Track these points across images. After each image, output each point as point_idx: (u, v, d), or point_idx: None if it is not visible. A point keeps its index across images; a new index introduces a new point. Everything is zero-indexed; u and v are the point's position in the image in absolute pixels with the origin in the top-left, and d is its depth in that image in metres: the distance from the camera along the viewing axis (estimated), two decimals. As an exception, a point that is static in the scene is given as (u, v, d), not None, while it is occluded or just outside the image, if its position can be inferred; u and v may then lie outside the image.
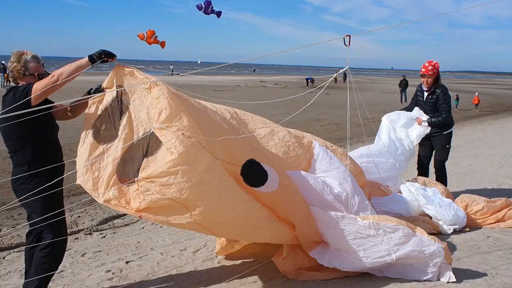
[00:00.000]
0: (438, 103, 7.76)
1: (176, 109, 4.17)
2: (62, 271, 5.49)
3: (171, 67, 62.07)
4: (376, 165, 6.82)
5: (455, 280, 4.83)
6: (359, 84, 65.63)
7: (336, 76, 5.52)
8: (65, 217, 4.60)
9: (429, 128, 7.70)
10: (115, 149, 4.44)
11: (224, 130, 4.74)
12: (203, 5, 4.93)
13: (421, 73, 7.90)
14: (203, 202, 4.13)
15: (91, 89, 4.62)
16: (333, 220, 4.98)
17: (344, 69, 5.05)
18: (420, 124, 7.71)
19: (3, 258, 6.08)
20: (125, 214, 7.90)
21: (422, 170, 8.24)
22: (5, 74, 35.31)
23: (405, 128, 7.77)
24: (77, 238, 6.80)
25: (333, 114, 24.81)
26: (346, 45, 4.73)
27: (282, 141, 5.58)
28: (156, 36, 4.68)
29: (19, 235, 7.00)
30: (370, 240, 4.87)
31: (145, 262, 5.74)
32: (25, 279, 4.55)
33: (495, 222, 6.87)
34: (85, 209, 8.43)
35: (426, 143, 7.98)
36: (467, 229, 6.64)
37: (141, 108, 4.50)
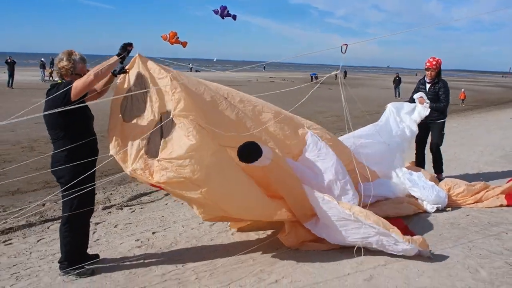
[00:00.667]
0: (439, 94, 8.01)
1: (192, 101, 4.45)
2: (98, 239, 5.73)
3: (190, 65, 62.24)
4: (365, 146, 6.93)
5: (431, 256, 4.94)
6: (359, 81, 65.41)
7: (336, 74, 5.63)
8: (90, 201, 4.77)
9: (428, 110, 7.81)
10: (141, 127, 4.67)
11: (231, 115, 4.99)
12: (219, 10, 5.04)
13: (426, 67, 8.16)
14: (210, 182, 4.40)
15: (115, 70, 4.72)
16: (321, 201, 5.15)
17: (338, 72, 5.28)
18: (422, 103, 7.85)
19: (48, 228, 6.31)
20: (151, 192, 8.14)
21: (420, 151, 8.43)
22: (50, 70, 36.00)
23: (409, 115, 7.89)
24: (110, 212, 7.02)
25: (334, 107, 24.82)
26: (343, 53, 4.88)
27: (281, 130, 5.72)
28: (178, 37, 4.81)
29: (60, 209, 7.23)
30: (350, 224, 5.01)
31: (168, 233, 5.94)
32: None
33: (473, 203, 6.98)
34: (116, 188, 8.67)
35: (423, 128, 8.04)
36: (449, 208, 6.76)
37: (159, 93, 4.69)
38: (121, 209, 7.20)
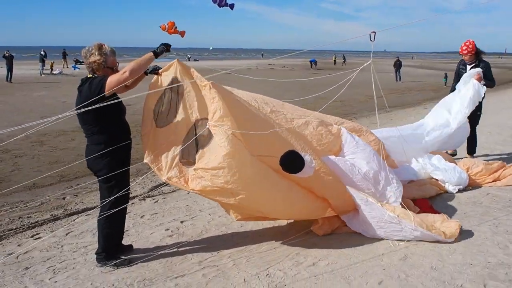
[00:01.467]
0: (487, 72, 7.87)
1: (228, 111, 4.46)
2: (127, 230, 5.76)
3: (188, 55, 62.35)
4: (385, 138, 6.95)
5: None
6: (358, 65, 65.07)
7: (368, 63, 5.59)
8: (128, 192, 4.87)
9: (485, 88, 7.67)
10: (175, 133, 4.73)
11: (266, 126, 4.96)
12: None
13: (460, 53, 8.19)
14: (246, 191, 4.49)
15: (148, 69, 4.75)
16: (363, 202, 5.20)
17: (368, 62, 5.32)
18: (479, 80, 7.63)
19: (74, 221, 6.36)
20: (170, 183, 8.19)
21: None
22: (51, 62, 36.06)
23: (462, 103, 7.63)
24: (133, 203, 7.06)
25: (336, 93, 24.84)
26: (372, 41, 4.90)
27: (315, 130, 5.71)
28: (176, 27, 4.84)
29: (82, 202, 7.32)
30: (392, 226, 5.06)
31: (197, 222, 6.02)
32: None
33: (492, 181, 7.09)
34: (134, 179, 8.70)
35: None
36: (470, 188, 6.87)
37: (195, 100, 4.74)
38: (144, 200, 7.26)
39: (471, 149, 8.59)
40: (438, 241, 4.88)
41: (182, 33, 4.83)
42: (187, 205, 6.80)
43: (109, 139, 4.45)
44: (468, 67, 8.12)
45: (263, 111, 5.34)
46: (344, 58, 67.85)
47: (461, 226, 5.07)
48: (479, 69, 7.82)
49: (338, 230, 5.42)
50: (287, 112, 5.73)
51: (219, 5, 5.04)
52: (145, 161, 4.69)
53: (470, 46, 8.01)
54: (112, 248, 4.79)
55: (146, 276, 4.50)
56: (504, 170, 7.27)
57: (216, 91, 4.54)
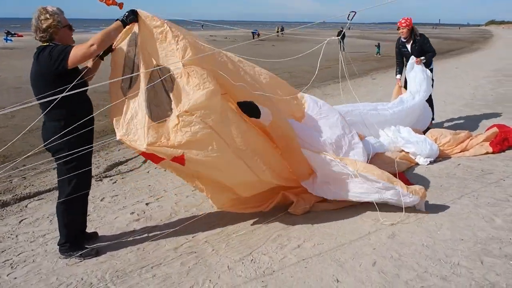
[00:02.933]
0: (424, 46, 8.25)
1: (196, 51, 4.05)
2: (88, 215, 5.25)
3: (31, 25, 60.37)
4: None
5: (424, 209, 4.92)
6: (299, 37, 65.34)
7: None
8: (90, 173, 4.36)
9: (428, 72, 8.20)
10: (139, 95, 4.16)
11: (235, 73, 4.62)
12: None
13: (398, 26, 8.39)
14: (230, 128, 4.25)
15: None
16: (322, 162, 5.01)
17: (339, 37, 5.13)
18: (419, 63, 8.10)
19: (26, 206, 5.74)
20: (126, 160, 7.65)
21: None
22: None
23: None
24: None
25: (284, 64, 24.61)
26: (349, 20, 4.66)
27: (281, 92, 5.57)
28: None
29: (32, 185, 6.68)
30: (352, 180, 4.90)
31: (163, 203, 5.58)
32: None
33: (460, 152, 7.06)
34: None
35: None
36: (440, 159, 6.80)
37: (152, 46, 4.13)
38: (101, 180, 6.69)
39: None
40: (403, 204, 4.73)
41: (120, 5, 4.34)
42: (149, 185, 6.32)
43: (70, 115, 3.91)
44: (408, 46, 8.38)
45: (231, 58, 4.94)
46: (282, 29, 67.61)
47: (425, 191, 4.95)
48: (413, 58, 8.20)
49: (314, 208, 5.16)
50: (256, 66, 5.53)
51: None
52: (117, 138, 4.11)
53: (408, 21, 8.27)
54: (76, 237, 4.30)
55: (118, 267, 4.07)
56: (470, 140, 7.27)
57: (177, 29, 4.10)
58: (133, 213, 5.31)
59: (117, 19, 3.97)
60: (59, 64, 3.73)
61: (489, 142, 7.12)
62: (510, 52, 34.06)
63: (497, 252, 4.00)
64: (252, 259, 4.10)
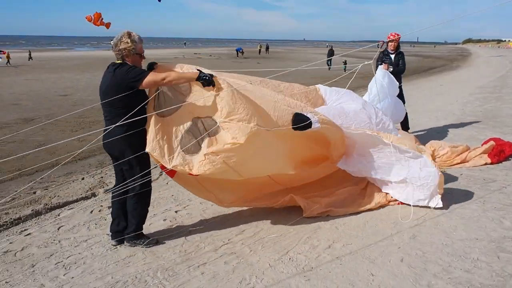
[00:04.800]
0: (401, 60, 9.40)
1: (234, 105, 4.58)
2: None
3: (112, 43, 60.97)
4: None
5: (441, 206, 5.52)
6: (281, 54, 65.95)
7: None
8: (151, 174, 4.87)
9: (391, 69, 9.12)
10: (176, 123, 4.77)
11: (266, 101, 5.12)
12: None
13: (389, 39, 9.30)
14: (248, 164, 4.87)
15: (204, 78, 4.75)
16: (361, 135, 5.79)
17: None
18: (386, 69, 8.95)
19: (58, 215, 6.06)
20: (144, 173, 8.00)
21: None
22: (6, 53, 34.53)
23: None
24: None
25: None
26: (379, 47, 5.39)
27: (299, 90, 6.25)
28: (103, 19, 4.88)
29: (58, 196, 6.98)
30: (386, 156, 5.71)
31: (191, 211, 5.96)
32: (116, 225, 4.99)
33: (460, 163, 7.60)
34: (101, 170, 8.44)
35: None
36: (443, 170, 7.30)
37: (200, 97, 4.79)
38: (124, 191, 7.04)
39: (405, 126, 9.75)
40: (422, 169, 5.50)
41: (107, 25, 4.89)
42: (172, 195, 6.69)
43: (133, 122, 4.46)
44: (392, 56, 9.38)
45: (255, 85, 5.48)
46: (267, 47, 68.72)
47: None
48: (383, 66, 9.05)
49: (332, 213, 5.61)
50: (269, 81, 6.09)
51: None
52: (146, 150, 4.60)
53: (397, 36, 9.32)
54: (141, 227, 4.98)
55: (166, 266, 4.44)
56: (469, 152, 7.81)
57: (224, 91, 4.66)
58: (165, 220, 5.69)
59: (198, 70, 4.71)
60: (134, 82, 4.39)
61: (487, 154, 7.68)
62: (490, 70, 35.30)
63: (510, 249, 4.50)
64: (290, 258, 4.51)
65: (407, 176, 5.58)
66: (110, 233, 5.04)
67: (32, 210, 6.21)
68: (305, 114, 5.14)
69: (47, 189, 7.35)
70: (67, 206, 6.40)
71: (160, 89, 4.78)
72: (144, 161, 4.68)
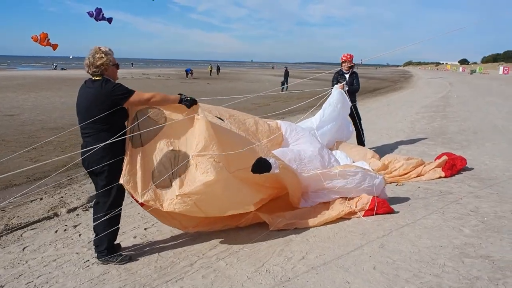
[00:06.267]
0: (355, 80, 9.92)
1: (209, 141, 4.71)
2: (90, 241, 5.56)
3: (54, 64, 59.77)
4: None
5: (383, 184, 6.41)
6: (231, 75, 66.47)
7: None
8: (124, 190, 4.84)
9: (347, 88, 9.48)
10: (147, 156, 4.80)
11: (237, 141, 5.35)
12: (94, 12, 5.23)
13: (343, 60, 9.93)
14: (215, 204, 5.08)
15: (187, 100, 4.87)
16: (312, 176, 6.07)
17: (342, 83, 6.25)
18: (342, 88, 9.25)
19: (21, 235, 5.90)
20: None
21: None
22: None
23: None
24: (78, 214, 6.73)
25: (227, 101, 25.36)
26: (361, 63, 5.76)
27: (263, 128, 6.50)
28: (49, 39, 4.98)
29: (17, 216, 6.80)
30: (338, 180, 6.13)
31: (161, 228, 5.93)
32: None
33: (417, 176, 7.98)
34: (59, 191, 8.27)
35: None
36: (401, 183, 7.65)
37: (180, 130, 4.90)
38: (87, 210, 6.93)
39: (360, 142, 10.10)
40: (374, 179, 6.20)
41: (54, 46, 4.95)
42: (139, 213, 6.64)
43: (114, 139, 4.53)
44: (347, 76, 9.89)
45: (225, 120, 5.70)
46: (218, 68, 69.17)
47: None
48: (339, 86, 9.34)
49: (298, 225, 5.78)
50: (237, 114, 6.21)
51: (96, 19, 5.21)
52: (120, 181, 4.63)
53: (351, 57, 9.97)
54: (113, 245, 4.96)
55: (143, 282, 4.43)
56: (424, 166, 8.22)
57: (201, 124, 4.78)
58: (135, 237, 5.66)
59: (179, 94, 4.83)
60: (120, 99, 4.49)
61: (441, 168, 8.10)
62: (431, 90, 37.05)
63: (473, 254, 4.78)
64: (267, 270, 4.61)
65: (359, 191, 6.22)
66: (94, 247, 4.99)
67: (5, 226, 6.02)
68: (267, 159, 5.34)
69: (4, 210, 7.13)
70: (29, 227, 6.23)
71: (136, 122, 4.81)
72: (117, 179, 4.66)
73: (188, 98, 4.76)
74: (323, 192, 6.18)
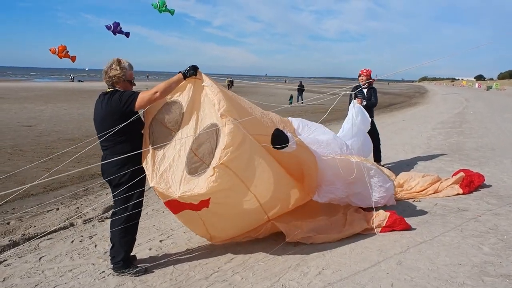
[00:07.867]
0: (372, 95, 9.92)
1: (228, 103, 4.67)
2: (106, 252, 5.56)
3: (71, 76, 60.53)
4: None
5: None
6: (245, 89, 66.45)
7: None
8: (143, 199, 4.87)
9: (365, 102, 9.65)
10: (174, 149, 4.76)
11: (252, 107, 5.49)
12: (112, 26, 5.26)
13: (360, 74, 10.03)
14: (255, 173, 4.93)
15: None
16: (329, 161, 6.10)
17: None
18: (360, 103, 9.50)
19: (38, 245, 5.93)
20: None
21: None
22: None
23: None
24: (94, 225, 6.75)
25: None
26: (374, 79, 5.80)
27: (280, 119, 6.36)
28: (68, 51, 5.00)
29: (33, 226, 6.84)
30: (353, 176, 6.16)
31: (176, 240, 5.95)
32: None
33: (434, 193, 7.89)
34: (75, 201, 8.31)
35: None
36: (418, 200, 7.57)
37: (205, 106, 4.81)
38: (103, 221, 6.96)
39: (377, 157, 10.12)
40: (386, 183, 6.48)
41: (73, 58, 4.97)
42: (154, 225, 6.66)
43: (132, 150, 4.55)
44: (365, 91, 9.92)
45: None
46: (232, 82, 69.40)
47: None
48: (357, 100, 9.54)
49: (315, 240, 5.72)
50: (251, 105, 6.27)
51: (114, 32, 5.22)
52: (151, 185, 4.61)
53: (369, 71, 9.94)
54: (129, 257, 4.95)
55: (158, 295, 4.42)
56: (441, 183, 8.12)
57: (212, 87, 4.74)
58: (150, 249, 5.66)
59: (179, 72, 4.69)
60: (128, 106, 4.43)
61: (458, 184, 8.01)
62: (447, 106, 36.75)
63: (493, 273, 4.69)
64: (283, 285, 4.57)
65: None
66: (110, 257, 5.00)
67: (9, 241, 6.05)
68: (285, 131, 5.41)
69: (21, 220, 7.19)
70: (45, 236, 6.26)
71: (153, 123, 4.82)
72: (139, 188, 4.74)
73: (189, 69, 4.71)
74: (335, 187, 6.12)
